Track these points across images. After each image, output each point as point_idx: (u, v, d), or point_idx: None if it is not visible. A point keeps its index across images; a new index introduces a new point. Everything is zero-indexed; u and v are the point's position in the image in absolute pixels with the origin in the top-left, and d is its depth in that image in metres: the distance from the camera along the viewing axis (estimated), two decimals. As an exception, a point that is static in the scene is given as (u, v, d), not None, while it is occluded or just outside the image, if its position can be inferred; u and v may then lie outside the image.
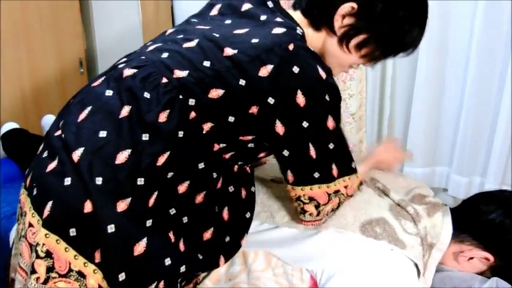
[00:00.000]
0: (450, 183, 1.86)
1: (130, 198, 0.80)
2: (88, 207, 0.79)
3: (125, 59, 0.93)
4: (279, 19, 0.91)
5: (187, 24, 0.98)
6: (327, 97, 0.87)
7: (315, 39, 0.95)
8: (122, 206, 0.80)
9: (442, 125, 1.84)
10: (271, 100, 0.84)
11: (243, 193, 1.01)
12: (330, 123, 0.89)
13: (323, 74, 0.86)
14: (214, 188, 0.93)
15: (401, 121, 1.91)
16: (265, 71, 0.82)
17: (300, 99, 0.84)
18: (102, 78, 0.90)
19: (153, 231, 0.83)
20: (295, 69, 0.83)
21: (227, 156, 0.92)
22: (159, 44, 0.92)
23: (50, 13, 1.80)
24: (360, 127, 1.84)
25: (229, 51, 0.84)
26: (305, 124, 0.87)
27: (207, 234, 0.93)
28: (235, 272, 1.08)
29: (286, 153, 0.90)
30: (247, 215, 1.03)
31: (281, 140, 0.88)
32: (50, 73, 1.86)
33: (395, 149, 1.29)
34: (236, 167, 0.98)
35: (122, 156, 0.81)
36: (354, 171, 1.00)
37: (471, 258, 1.14)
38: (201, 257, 0.92)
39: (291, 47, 0.84)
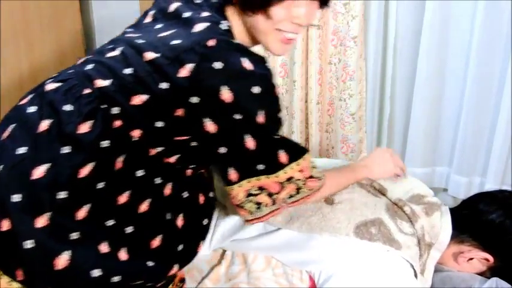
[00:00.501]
0: (450, 183, 1.86)
1: (50, 213, 0.80)
2: (6, 225, 0.79)
3: (54, 75, 0.94)
4: (205, 14, 0.89)
5: (121, 35, 0.98)
6: (254, 89, 0.82)
7: (237, 26, 0.92)
8: (42, 221, 0.80)
9: (442, 125, 1.85)
10: (195, 99, 0.81)
11: (201, 199, 0.98)
12: (261, 118, 0.84)
13: (249, 66, 0.82)
14: (161, 194, 0.91)
15: (401, 121, 1.91)
16: (185, 71, 0.80)
17: (226, 95, 0.80)
18: (30, 95, 0.91)
19: (79, 244, 0.82)
20: (217, 65, 0.80)
21: (171, 160, 0.89)
22: (89, 57, 0.93)
23: (50, 13, 1.80)
24: (360, 127, 1.84)
25: (149, 56, 0.83)
26: (237, 116, 0.83)
27: (156, 242, 0.90)
28: (235, 272, 1.08)
29: (223, 150, 0.86)
30: (205, 221, 1.00)
31: (215, 138, 0.85)
32: (50, 73, 1.86)
33: (395, 158, 1.22)
34: (189, 171, 0.94)
35: (39, 171, 0.80)
36: (304, 151, 0.94)
37: (471, 259, 1.14)
38: (151, 264, 0.90)
39: (211, 43, 0.82)
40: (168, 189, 0.91)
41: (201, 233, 1.00)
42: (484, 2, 1.59)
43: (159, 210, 0.90)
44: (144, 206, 0.88)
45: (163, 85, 0.82)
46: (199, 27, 0.85)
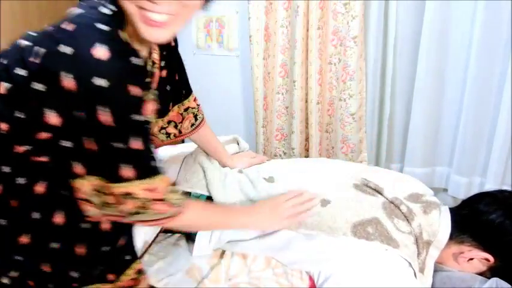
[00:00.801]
0: (450, 183, 1.86)
1: None
2: None
3: None
4: (99, 4, 0.82)
5: None
6: (97, 81, 0.73)
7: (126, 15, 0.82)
8: None
9: (442, 125, 1.85)
10: (41, 87, 0.76)
11: None
12: (103, 116, 0.75)
13: (102, 54, 0.73)
14: (29, 192, 0.88)
15: (401, 121, 1.91)
16: (36, 56, 0.76)
17: (68, 82, 0.73)
18: None
19: None
20: (65, 49, 0.73)
21: (43, 159, 0.86)
22: None
23: (50, 13, 1.81)
24: (360, 127, 1.84)
25: (22, 44, 0.82)
26: (77, 113, 0.75)
27: (24, 239, 0.88)
28: (235, 272, 1.08)
29: (69, 144, 0.80)
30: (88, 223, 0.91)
31: (59, 131, 0.79)
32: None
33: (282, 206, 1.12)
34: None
35: None
36: (154, 172, 0.84)
37: (471, 259, 1.14)
38: (18, 258, 0.89)
39: (67, 26, 0.76)
40: (41, 187, 0.88)
41: (83, 234, 0.91)
42: (484, 2, 1.59)
43: (27, 208, 0.88)
44: (13, 202, 0.87)
45: (21, 72, 0.79)
46: (70, 12, 0.80)
